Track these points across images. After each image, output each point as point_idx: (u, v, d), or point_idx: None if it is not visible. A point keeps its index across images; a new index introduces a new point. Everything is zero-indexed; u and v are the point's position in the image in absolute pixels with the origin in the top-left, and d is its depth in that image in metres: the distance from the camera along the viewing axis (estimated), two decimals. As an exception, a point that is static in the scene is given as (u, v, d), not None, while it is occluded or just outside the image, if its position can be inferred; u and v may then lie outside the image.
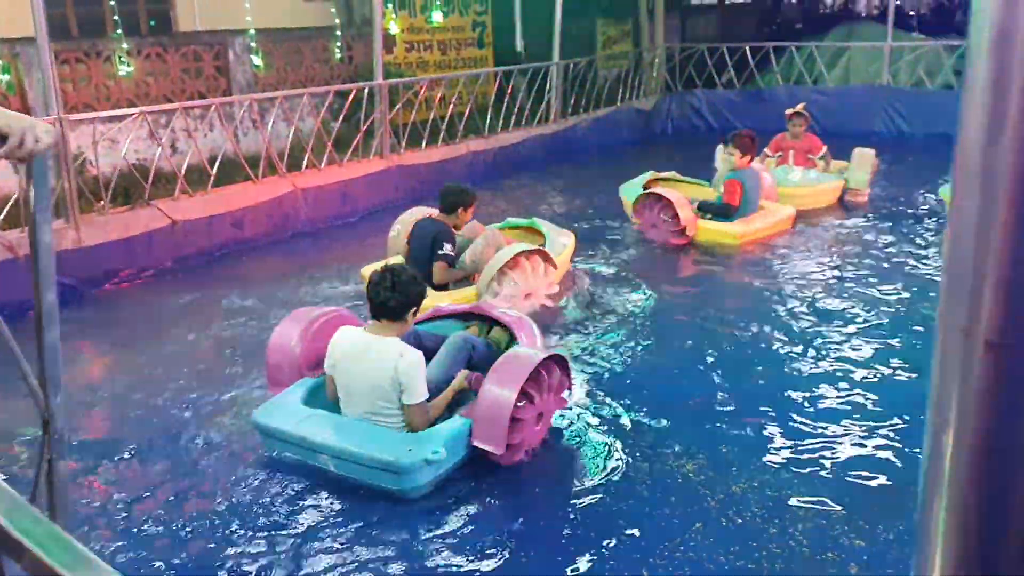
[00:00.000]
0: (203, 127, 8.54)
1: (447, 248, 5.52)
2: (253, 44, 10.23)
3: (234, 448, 4.07)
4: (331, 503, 3.60)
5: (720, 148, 7.93)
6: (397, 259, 5.93)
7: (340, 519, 3.50)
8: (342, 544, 3.34)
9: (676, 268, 6.92)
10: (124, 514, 3.57)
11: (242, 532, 3.42)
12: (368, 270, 5.92)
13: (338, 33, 11.28)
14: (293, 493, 3.67)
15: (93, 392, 4.82)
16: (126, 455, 4.05)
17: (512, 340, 4.46)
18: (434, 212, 5.87)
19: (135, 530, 3.46)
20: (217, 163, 7.69)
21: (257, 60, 10.32)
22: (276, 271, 6.93)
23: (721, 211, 7.29)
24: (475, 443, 3.65)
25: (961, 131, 0.49)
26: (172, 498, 3.67)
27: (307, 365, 4.13)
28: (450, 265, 5.57)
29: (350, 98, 8.92)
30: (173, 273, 6.90)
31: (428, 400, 3.74)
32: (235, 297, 6.26)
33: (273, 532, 3.42)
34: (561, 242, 6.32)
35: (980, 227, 0.47)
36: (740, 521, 3.45)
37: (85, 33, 9.27)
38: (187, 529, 3.46)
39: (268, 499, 3.64)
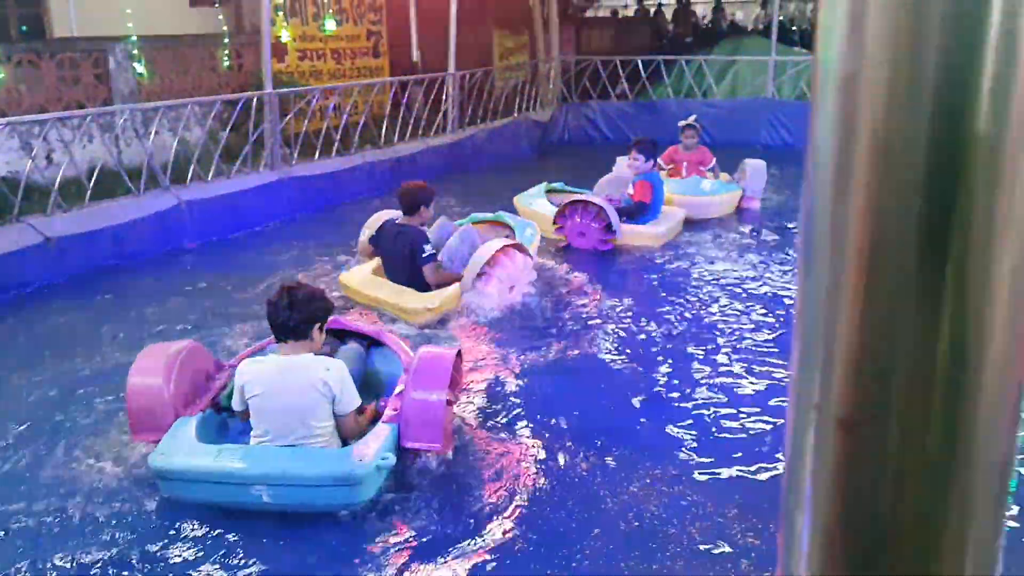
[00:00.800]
0: (82, 138, 8.11)
1: (428, 249, 5.64)
2: (135, 51, 9.79)
3: (112, 497, 3.68)
4: (254, 543, 3.41)
5: (621, 159, 8.15)
6: (373, 263, 6.09)
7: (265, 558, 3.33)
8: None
9: (596, 271, 6.98)
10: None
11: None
12: (345, 278, 6.03)
13: (226, 40, 10.93)
14: (210, 538, 3.43)
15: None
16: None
17: (368, 347, 4.62)
18: (397, 215, 5.96)
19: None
20: (95, 176, 7.31)
21: (140, 68, 9.88)
22: (160, 291, 6.61)
23: (631, 212, 7.49)
24: (409, 446, 3.73)
25: (806, 191, 0.45)
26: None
27: (182, 404, 3.86)
28: (437, 263, 5.74)
29: (238, 108, 8.64)
30: (46, 295, 6.48)
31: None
32: (112, 321, 5.92)
33: None
34: (528, 234, 6.49)
35: (829, 298, 0.44)
36: (637, 523, 3.51)
37: (-52, 38, 8.70)
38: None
39: (179, 551, 3.37)
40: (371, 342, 4.64)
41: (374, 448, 3.56)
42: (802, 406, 0.46)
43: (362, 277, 5.98)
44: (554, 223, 7.45)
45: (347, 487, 3.47)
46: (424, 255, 5.62)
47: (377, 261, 6.07)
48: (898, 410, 0.43)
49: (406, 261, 5.69)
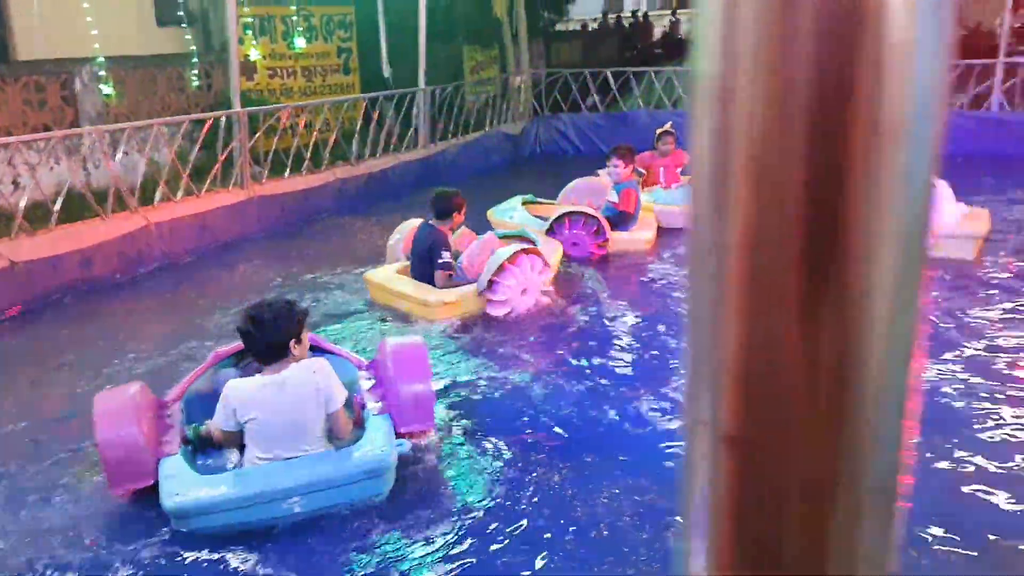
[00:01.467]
0: (48, 161, 8.02)
1: (445, 256, 5.89)
2: (102, 72, 9.73)
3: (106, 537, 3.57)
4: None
5: (603, 172, 8.23)
6: (399, 265, 6.39)
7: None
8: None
9: (597, 279, 7.00)
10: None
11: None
12: (371, 275, 6.34)
13: (195, 60, 10.89)
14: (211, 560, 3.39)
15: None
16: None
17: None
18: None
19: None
20: (61, 198, 7.22)
21: (107, 89, 9.82)
22: (129, 312, 6.55)
23: (616, 221, 7.61)
24: (404, 430, 3.91)
25: (689, 209, 0.44)
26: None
27: (160, 446, 3.77)
28: (450, 272, 5.92)
29: (207, 127, 8.59)
30: (12, 320, 6.39)
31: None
32: (80, 347, 5.83)
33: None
34: (548, 251, 6.59)
35: (714, 315, 0.43)
36: (607, 531, 3.51)
37: (-91, 62, 8.58)
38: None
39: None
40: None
41: (382, 439, 3.69)
42: (693, 423, 0.46)
43: (386, 274, 6.31)
44: (546, 233, 7.52)
45: (376, 479, 3.61)
46: (440, 260, 5.86)
47: (403, 262, 6.37)
48: (782, 427, 0.43)
49: (424, 259, 5.95)
